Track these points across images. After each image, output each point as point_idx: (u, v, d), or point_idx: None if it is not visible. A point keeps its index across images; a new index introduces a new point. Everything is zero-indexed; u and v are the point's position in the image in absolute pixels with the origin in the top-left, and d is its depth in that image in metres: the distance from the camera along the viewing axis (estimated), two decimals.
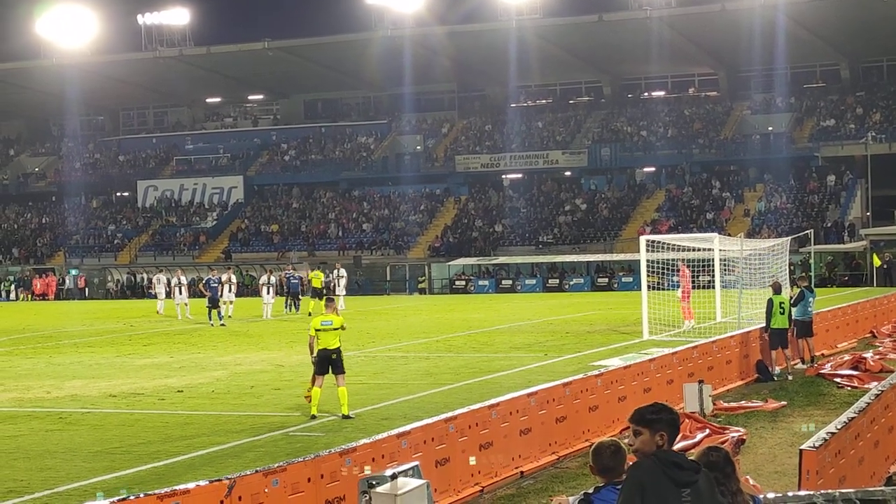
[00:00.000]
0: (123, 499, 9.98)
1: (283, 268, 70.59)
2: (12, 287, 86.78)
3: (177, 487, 10.48)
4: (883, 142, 78.26)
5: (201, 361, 31.60)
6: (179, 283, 52.19)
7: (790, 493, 7.97)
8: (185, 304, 51.73)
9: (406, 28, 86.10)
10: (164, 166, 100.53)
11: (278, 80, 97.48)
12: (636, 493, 6.78)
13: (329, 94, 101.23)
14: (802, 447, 10.60)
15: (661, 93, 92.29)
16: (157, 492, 10.28)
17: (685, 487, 6.80)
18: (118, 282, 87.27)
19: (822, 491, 7.96)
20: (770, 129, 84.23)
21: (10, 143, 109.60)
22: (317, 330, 20.88)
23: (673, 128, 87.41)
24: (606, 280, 72.70)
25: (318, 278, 55.35)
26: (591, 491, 7.57)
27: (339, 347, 20.82)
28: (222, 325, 45.82)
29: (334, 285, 56.84)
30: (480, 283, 76.11)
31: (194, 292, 55.15)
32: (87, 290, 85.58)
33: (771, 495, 8.05)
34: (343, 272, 57.14)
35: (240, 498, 10.71)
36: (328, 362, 20.71)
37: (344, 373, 20.74)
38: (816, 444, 10.66)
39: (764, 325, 26.26)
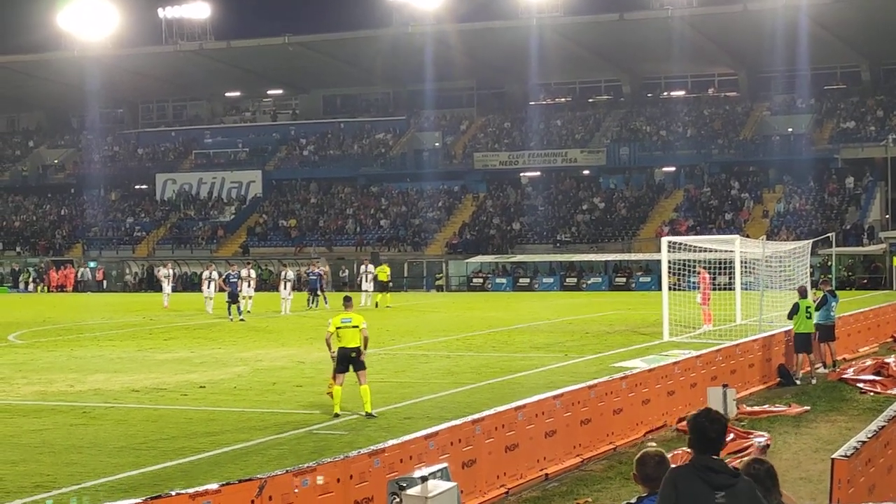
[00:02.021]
0: (156, 497, 10.06)
1: (301, 263, 70.77)
2: (30, 279, 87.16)
3: (208, 487, 10.54)
4: None
5: (222, 357, 31.69)
6: (210, 277, 52.31)
7: None
8: (210, 299, 51.82)
9: (426, 25, 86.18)
10: (182, 160, 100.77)
11: (298, 74, 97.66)
12: (672, 495, 6.97)
13: (348, 89, 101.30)
14: (834, 456, 10.59)
15: (681, 92, 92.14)
16: (188, 491, 10.34)
17: (720, 490, 6.93)
18: (136, 275, 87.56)
19: None
20: (790, 130, 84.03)
21: (29, 134, 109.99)
22: (337, 328, 20.81)
23: (692, 128, 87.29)
24: (624, 280, 72.62)
25: (384, 272, 57.02)
26: (633, 501, 7.59)
27: (359, 346, 20.69)
28: (242, 320, 45.91)
29: (361, 281, 57.62)
30: (498, 280, 76.12)
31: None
32: (104, 282, 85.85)
33: None
34: (371, 268, 57.62)
35: (270, 497, 10.76)
36: (348, 361, 20.64)
37: (365, 370, 20.71)
38: (848, 453, 10.66)
39: (787, 328, 26.36)
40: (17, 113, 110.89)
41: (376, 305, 54.45)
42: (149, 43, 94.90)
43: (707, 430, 7.09)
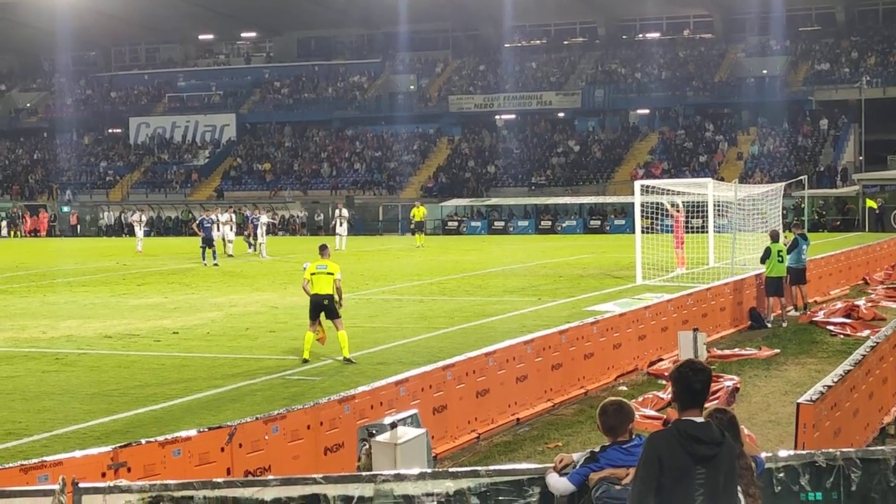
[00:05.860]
0: (125, 445, 10.06)
1: (276, 207, 70.46)
2: (3, 223, 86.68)
3: (178, 434, 10.55)
4: (877, 86, 78.01)
5: (195, 302, 31.63)
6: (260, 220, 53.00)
7: (791, 452, 8.04)
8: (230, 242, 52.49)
9: None
10: (156, 103, 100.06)
11: (272, 16, 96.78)
12: (654, 468, 6.59)
13: (323, 31, 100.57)
14: (800, 401, 10.67)
15: (656, 34, 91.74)
16: (158, 438, 10.36)
17: (701, 464, 6.59)
18: (110, 219, 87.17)
19: (824, 450, 8.03)
20: (764, 72, 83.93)
21: (1, 78, 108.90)
22: (312, 274, 20.84)
23: (667, 70, 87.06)
24: (599, 222, 72.76)
25: (420, 212, 61.06)
26: (597, 450, 7.64)
27: (331, 294, 20.63)
28: (215, 265, 45.79)
29: (335, 225, 57.62)
30: (473, 224, 76.16)
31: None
32: (78, 227, 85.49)
33: (783, 453, 8.12)
34: (345, 212, 57.73)
35: (240, 445, 10.80)
36: (320, 308, 20.63)
37: (339, 317, 20.70)
38: (814, 398, 10.74)
39: (759, 271, 26.51)
40: None
41: (419, 246, 58.02)
42: None
43: (691, 380, 6.73)
